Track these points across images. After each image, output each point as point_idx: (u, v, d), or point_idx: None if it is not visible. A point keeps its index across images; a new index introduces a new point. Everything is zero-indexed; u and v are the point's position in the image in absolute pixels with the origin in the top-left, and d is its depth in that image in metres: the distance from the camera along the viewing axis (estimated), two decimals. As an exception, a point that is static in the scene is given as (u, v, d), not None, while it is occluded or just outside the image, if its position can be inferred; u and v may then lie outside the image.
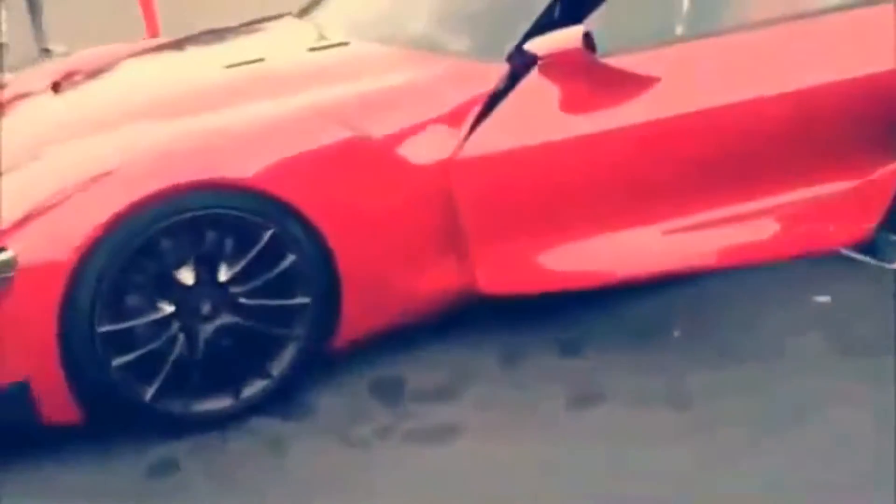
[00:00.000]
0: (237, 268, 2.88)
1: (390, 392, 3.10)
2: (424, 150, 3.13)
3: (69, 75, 3.90)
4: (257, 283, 2.91)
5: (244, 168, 2.86)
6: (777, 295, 3.51)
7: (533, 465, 2.73)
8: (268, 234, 2.87)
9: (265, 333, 2.95)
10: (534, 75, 3.20)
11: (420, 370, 3.19)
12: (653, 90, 3.21)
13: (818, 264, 3.62)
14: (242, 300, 2.91)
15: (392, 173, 3.10)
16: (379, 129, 3.12)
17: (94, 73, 3.80)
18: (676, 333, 3.33)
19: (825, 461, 2.64)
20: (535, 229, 3.22)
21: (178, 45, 4.01)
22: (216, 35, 4.11)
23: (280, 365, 2.98)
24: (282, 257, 2.90)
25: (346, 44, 3.57)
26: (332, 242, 2.96)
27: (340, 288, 3.01)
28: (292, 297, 2.96)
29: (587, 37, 3.10)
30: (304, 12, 4.16)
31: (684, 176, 3.24)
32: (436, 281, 3.21)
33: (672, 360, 3.16)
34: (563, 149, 3.17)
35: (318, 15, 4.06)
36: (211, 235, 2.85)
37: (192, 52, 3.86)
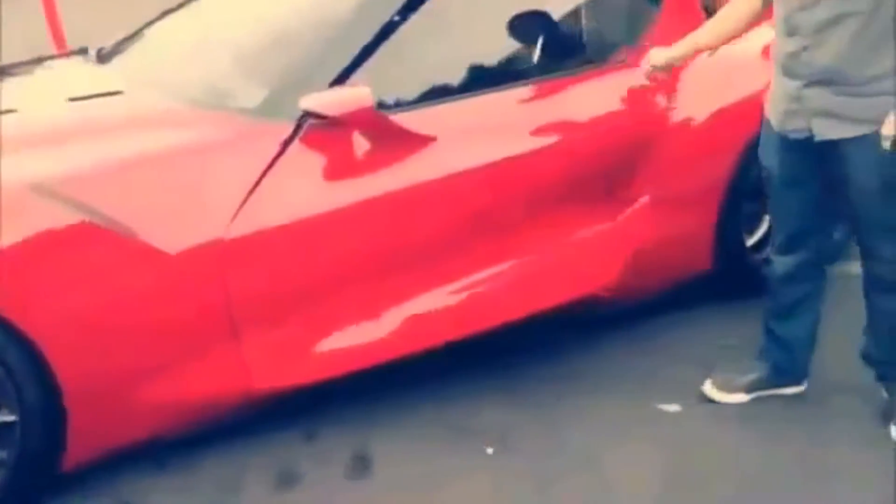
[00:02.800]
0: None
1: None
2: (185, 234, 2.61)
3: None
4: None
5: None
6: (617, 397, 3.07)
7: None
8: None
9: (-42, 458, 2.43)
10: (304, 138, 2.78)
11: (174, 493, 2.68)
12: (424, 151, 2.90)
13: (671, 364, 3.22)
14: (-76, 419, 2.39)
15: (136, 264, 2.56)
16: (126, 208, 2.57)
17: None
18: (490, 451, 2.84)
19: None
20: (307, 313, 2.80)
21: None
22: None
23: (-19, 495, 2.47)
24: (-28, 368, 2.38)
25: (118, 93, 3.02)
26: (48, 350, 2.44)
27: (63, 402, 2.48)
28: (-6, 414, 2.44)
29: None
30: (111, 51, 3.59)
31: (451, 238, 2.98)
32: (199, 386, 2.70)
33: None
34: (332, 221, 2.78)
35: (116, 55, 3.51)
36: None
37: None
